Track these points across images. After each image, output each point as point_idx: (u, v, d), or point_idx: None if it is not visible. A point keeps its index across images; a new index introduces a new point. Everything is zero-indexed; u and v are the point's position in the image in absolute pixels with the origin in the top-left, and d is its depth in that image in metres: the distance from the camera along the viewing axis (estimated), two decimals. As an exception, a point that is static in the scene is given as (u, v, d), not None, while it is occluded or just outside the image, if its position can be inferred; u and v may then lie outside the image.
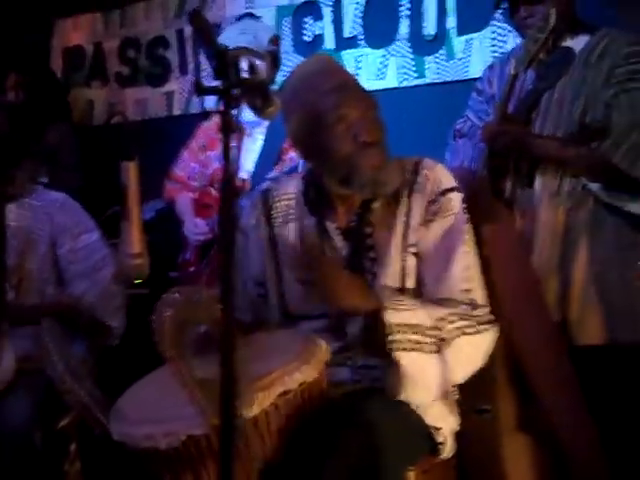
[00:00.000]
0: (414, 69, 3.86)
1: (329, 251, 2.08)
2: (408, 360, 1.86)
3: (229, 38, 3.16)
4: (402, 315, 1.88)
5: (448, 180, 2.07)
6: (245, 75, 1.44)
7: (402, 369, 1.86)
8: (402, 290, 2.02)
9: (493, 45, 3.64)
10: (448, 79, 3.77)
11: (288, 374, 1.72)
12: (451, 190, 2.07)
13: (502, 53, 3.37)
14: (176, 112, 4.67)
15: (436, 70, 3.80)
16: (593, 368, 2.38)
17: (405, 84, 3.89)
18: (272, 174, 3.15)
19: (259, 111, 1.47)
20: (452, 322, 1.93)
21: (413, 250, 2.04)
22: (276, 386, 1.69)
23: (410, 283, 2.04)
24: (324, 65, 2.12)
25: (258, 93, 1.45)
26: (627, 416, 2.42)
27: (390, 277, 2.03)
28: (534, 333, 2.20)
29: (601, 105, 2.48)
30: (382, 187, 2.03)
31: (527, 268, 2.35)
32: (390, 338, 1.86)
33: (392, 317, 1.87)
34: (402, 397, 1.90)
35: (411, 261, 2.04)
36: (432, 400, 1.96)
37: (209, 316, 1.64)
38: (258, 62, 3.01)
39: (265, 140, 3.31)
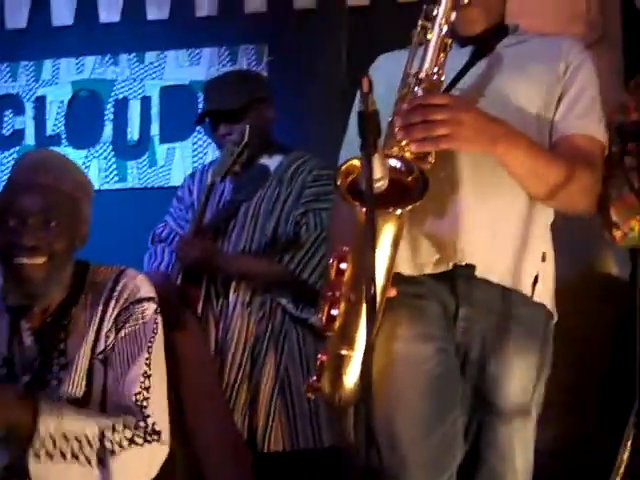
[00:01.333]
0: (116, 172, 3.87)
1: (18, 350, 1.97)
2: (56, 472, 1.78)
3: None
4: (61, 423, 1.81)
5: (146, 290, 2.07)
6: None
7: None
8: (85, 398, 1.95)
9: (195, 155, 3.76)
10: (150, 185, 3.82)
11: None
12: (146, 300, 2.06)
13: (203, 163, 3.49)
14: None
15: (138, 175, 3.83)
16: (278, 475, 2.44)
17: (106, 187, 3.87)
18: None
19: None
20: (119, 432, 1.87)
21: (101, 357, 2.00)
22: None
23: (96, 391, 1.97)
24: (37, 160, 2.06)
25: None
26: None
27: (75, 384, 1.96)
28: (216, 444, 2.20)
29: (292, 222, 2.66)
30: (38, 299, 1.97)
31: (213, 378, 2.38)
32: (39, 448, 1.76)
33: (47, 426, 1.78)
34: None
35: (98, 368, 1.99)
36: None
37: None
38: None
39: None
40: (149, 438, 1.90)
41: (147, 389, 1.96)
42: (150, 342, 2.01)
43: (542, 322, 1.88)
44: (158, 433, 1.92)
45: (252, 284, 2.64)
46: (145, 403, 1.94)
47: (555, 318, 1.91)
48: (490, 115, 1.71)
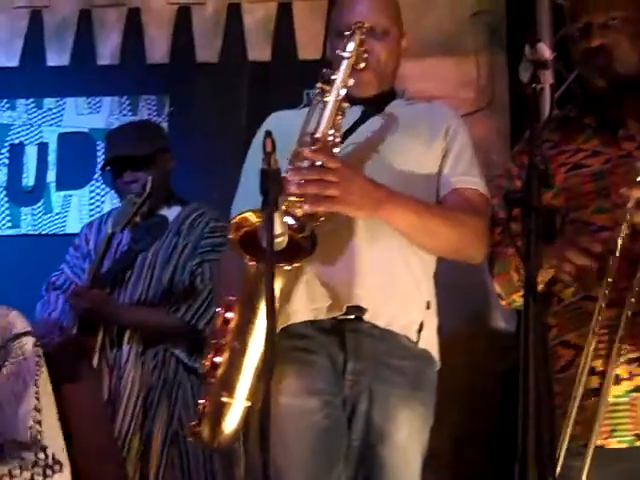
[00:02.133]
0: (9, 219, 3.78)
1: None
2: None
3: None
4: None
5: (21, 325, 2.05)
6: None
7: None
8: None
9: (92, 203, 3.73)
10: (45, 232, 3.76)
11: None
12: (23, 334, 2.04)
13: (100, 211, 3.47)
14: None
15: (33, 222, 3.76)
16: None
17: (-1, 233, 3.79)
18: None
19: None
20: (17, 476, 1.84)
21: None
22: None
23: None
24: None
25: None
26: None
27: None
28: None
29: (188, 272, 2.68)
30: None
31: (105, 430, 2.35)
32: None
33: None
34: None
35: None
36: None
37: None
38: None
39: None
40: (49, 472, 1.89)
41: (39, 422, 1.95)
42: (36, 375, 2.00)
43: (427, 372, 1.96)
44: (59, 463, 1.91)
45: (146, 334, 2.64)
46: (40, 436, 1.92)
47: (439, 366, 1.99)
48: (374, 181, 1.82)
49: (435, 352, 1.98)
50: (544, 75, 1.49)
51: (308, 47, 3.63)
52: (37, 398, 1.96)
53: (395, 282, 1.91)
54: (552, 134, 1.94)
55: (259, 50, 3.76)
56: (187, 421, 2.58)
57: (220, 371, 1.70)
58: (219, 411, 1.70)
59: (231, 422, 1.70)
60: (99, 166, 3.65)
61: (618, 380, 1.73)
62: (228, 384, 1.69)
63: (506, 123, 3.44)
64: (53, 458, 1.90)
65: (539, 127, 1.52)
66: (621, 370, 1.73)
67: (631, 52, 1.88)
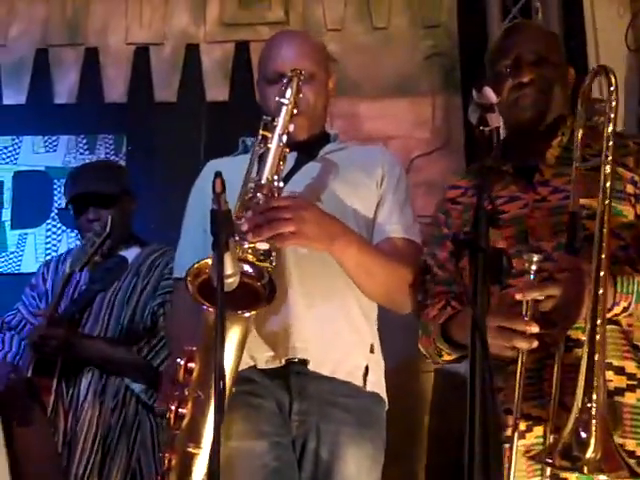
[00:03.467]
0: (-37, 257, 3.74)
1: None
2: None
3: None
4: None
5: None
6: None
7: None
8: None
9: (47, 242, 3.70)
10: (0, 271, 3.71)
11: None
12: None
13: (56, 250, 3.44)
14: None
15: (-13, 261, 3.72)
16: None
17: (-48, 272, 3.74)
18: None
19: None
20: None
21: None
22: None
23: None
24: None
25: None
26: None
27: None
28: None
29: (149, 313, 2.66)
30: None
31: (58, 474, 2.32)
32: None
33: None
34: None
35: None
36: None
37: None
38: None
39: None
40: None
41: None
42: None
43: (375, 411, 1.97)
44: None
45: (107, 369, 2.61)
46: None
47: (387, 406, 2.00)
48: (328, 213, 1.85)
49: (383, 393, 1.99)
50: (491, 118, 1.52)
51: (266, 87, 3.66)
52: None
53: (335, 330, 1.92)
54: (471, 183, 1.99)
55: (217, 90, 3.80)
56: (146, 463, 2.55)
57: (185, 422, 1.68)
58: (187, 462, 1.67)
59: (199, 473, 1.66)
60: (56, 205, 3.65)
61: (539, 421, 1.72)
62: (194, 434, 1.67)
63: (461, 162, 3.48)
64: None
65: (486, 169, 1.55)
66: (540, 411, 1.72)
67: (556, 92, 1.95)
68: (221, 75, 3.81)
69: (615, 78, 1.75)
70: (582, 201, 1.76)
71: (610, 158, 1.69)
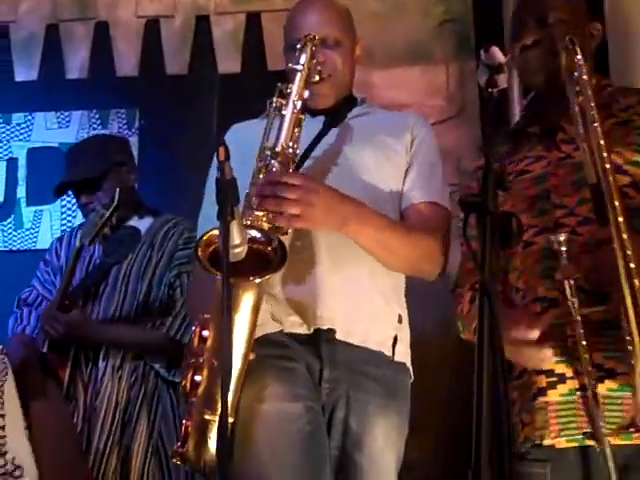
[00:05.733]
0: (-21, 235, 3.76)
1: None
2: None
3: None
4: None
5: None
6: None
7: None
8: None
9: (63, 218, 3.70)
10: (15, 248, 3.72)
11: None
12: None
13: (71, 226, 3.44)
14: None
15: (3, 238, 3.73)
16: None
17: (-31, 249, 3.75)
18: None
19: None
20: None
21: None
22: None
23: None
24: None
25: None
26: None
27: None
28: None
29: (165, 285, 2.66)
30: None
31: (73, 447, 2.33)
32: None
33: None
34: None
35: None
36: None
37: None
38: None
39: None
40: (8, 478, 1.87)
41: (2, 427, 1.93)
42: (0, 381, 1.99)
43: (402, 383, 1.97)
44: (19, 467, 1.89)
45: (125, 351, 2.61)
46: (1, 441, 1.90)
47: (412, 377, 2.00)
48: (340, 194, 1.81)
49: (409, 364, 1.99)
50: (499, 79, 1.49)
51: (277, 58, 3.58)
52: (1, 403, 1.95)
53: (363, 300, 1.91)
54: (501, 147, 1.96)
55: (228, 62, 3.76)
56: (167, 436, 2.57)
57: (201, 389, 1.68)
58: (203, 429, 1.68)
59: (215, 439, 1.64)
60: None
61: (564, 379, 1.74)
62: (210, 401, 1.67)
63: (477, 130, 3.44)
64: (14, 464, 1.89)
65: (494, 130, 1.52)
66: (566, 369, 1.74)
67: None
68: (232, 47, 3.77)
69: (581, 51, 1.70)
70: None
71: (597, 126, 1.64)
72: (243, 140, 1.92)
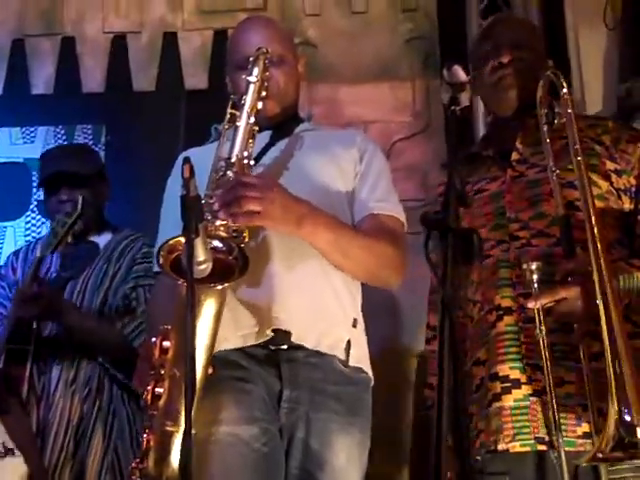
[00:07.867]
0: (-59, 251, 3.70)
1: None
2: None
3: None
4: None
5: None
6: None
7: None
8: None
9: (27, 235, 3.66)
10: (-22, 264, 3.68)
11: None
12: None
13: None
14: None
15: (-34, 254, 3.69)
16: None
17: None
18: None
19: None
20: None
21: None
22: None
23: None
24: None
25: None
26: None
27: None
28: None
29: (121, 296, 2.65)
30: None
31: (36, 462, 2.31)
32: None
33: None
34: None
35: None
36: None
37: None
38: None
39: None
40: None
41: None
42: None
43: (363, 398, 1.96)
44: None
45: (85, 343, 2.56)
46: None
47: (372, 382, 2.00)
48: (293, 195, 1.83)
49: (367, 368, 1.99)
50: (462, 97, 1.51)
51: (245, 75, 3.64)
52: None
53: (317, 303, 1.92)
54: (460, 170, 2.01)
55: (196, 78, 3.76)
56: (123, 451, 2.53)
57: (162, 401, 1.66)
58: (165, 442, 1.65)
59: (178, 451, 1.63)
60: (35, 196, 3.62)
61: (518, 384, 1.78)
62: (172, 413, 1.65)
63: (442, 146, 3.46)
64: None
65: (456, 148, 1.55)
66: (520, 374, 1.78)
67: (536, 77, 1.96)
68: (200, 63, 3.77)
69: (566, 83, 1.85)
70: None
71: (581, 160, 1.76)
72: (196, 166, 1.94)
